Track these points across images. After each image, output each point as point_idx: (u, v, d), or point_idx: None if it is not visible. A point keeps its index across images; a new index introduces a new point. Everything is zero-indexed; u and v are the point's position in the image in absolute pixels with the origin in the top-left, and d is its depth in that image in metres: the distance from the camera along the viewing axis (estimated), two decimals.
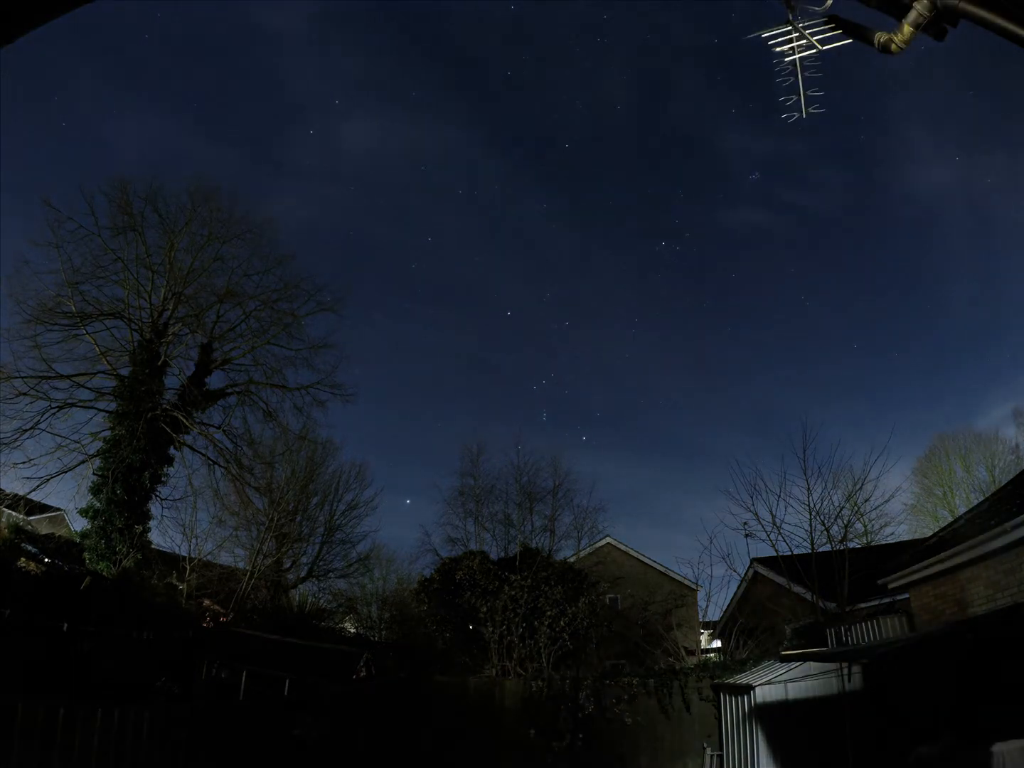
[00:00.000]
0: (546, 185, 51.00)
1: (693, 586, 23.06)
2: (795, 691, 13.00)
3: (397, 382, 52.81)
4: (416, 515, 52.88)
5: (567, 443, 50.76)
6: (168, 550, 19.83)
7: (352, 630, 22.69)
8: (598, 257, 53.74)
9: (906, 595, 12.48)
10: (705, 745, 14.39)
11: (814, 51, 3.29)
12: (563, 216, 52.52)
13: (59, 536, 19.64)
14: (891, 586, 12.29)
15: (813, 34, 3.26)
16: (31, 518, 20.35)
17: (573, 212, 51.74)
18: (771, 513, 14.01)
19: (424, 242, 55.66)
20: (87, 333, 19.64)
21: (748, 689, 13.36)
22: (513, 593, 17.34)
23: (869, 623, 12.91)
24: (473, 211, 50.44)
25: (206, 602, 17.84)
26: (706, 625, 25.91)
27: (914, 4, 2.62)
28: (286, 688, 12.54)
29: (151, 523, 19.24)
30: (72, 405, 19.47)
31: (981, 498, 17.79)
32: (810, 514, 13.57)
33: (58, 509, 24.42)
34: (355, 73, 49.37)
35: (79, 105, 38.75)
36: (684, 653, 19.08)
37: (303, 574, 23.49)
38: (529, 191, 51.63)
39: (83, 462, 19.11)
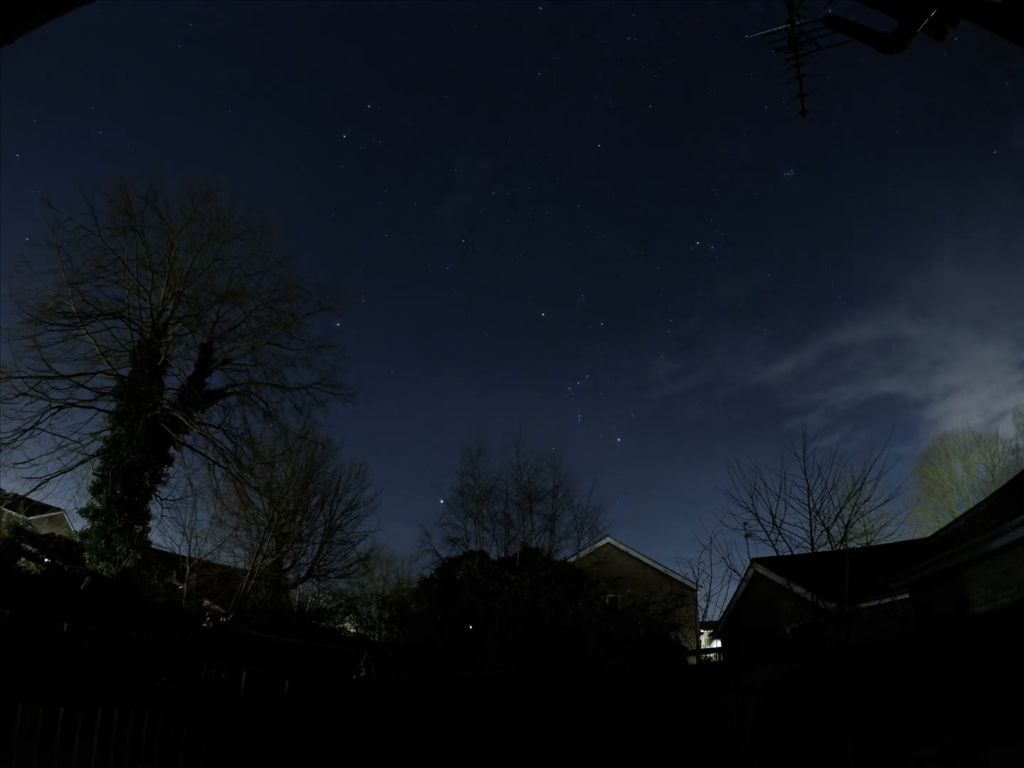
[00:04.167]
0: (579, 185, 50.79)
1: (693, 586, 23.06)
2: (794, 691, 12.98)
3: (416, 385, 52.99)
4: (432, 515, 53.32)
5: (601, 444, 50.70)
6: (168, 550, 19.89)
7: (352, 630, 22.71)
8: (631, 258, 53.71)
9: (906, 595, 12.48)
10: None
11: (814, 51, 3.29)
12: (596, 218, 52.37)
13: (59, 536, 19.67)
14: (891, 586, 12.29)
15: (813, 34, 3.26)
16: (31, 518, 20.37)
17: (605, 213, 51.63)
18: (771, 513, 14.02)
19: (458, 244, 55.53)
20: (87, 333, 19.65)
21: (747, 689, 13.34)
22: (513, 593, 17.34)
23: (869, 623, 12.90)
24: (501, 211, 50.45)
25: (206, 602, 17.86)
26: (706, 625, 25.91)
27: (914, 4, 2.63)
28: (286, 688, 12.53)
29: (151, 523, 19.29)
30: (72, 405, 19.48)
31: (981, 498, 17.78)
32: (810, 514, 13.57)
33: (58, 509, 24.44)
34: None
35: (79, 105, 38.71)
36: (684, 653, 19.08)
37: (303, 574, 23.55)
38: (561, 192, 51.43)
39: (83, 462, 19.13)
